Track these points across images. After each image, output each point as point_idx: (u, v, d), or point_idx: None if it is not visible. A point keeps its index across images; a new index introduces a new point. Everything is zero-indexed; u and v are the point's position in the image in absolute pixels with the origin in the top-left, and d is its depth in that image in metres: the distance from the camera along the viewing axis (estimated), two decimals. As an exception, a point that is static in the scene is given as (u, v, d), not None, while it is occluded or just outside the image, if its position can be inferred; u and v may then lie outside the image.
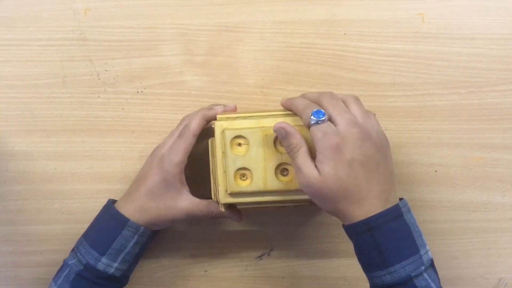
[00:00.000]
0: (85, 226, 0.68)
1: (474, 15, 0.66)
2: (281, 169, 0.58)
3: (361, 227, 0.53)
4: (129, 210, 0.61)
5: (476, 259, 0.68)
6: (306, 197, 0.57)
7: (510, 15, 0.66)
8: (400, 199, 0.56)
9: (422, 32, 0.66)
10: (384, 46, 0.66)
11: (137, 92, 0.68)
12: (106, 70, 0.67)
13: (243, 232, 0.69)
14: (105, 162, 0.68)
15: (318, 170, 0.53)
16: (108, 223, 0.62)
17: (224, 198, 0.59)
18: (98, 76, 0.68)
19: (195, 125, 0.61)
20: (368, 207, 0.53)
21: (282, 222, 0.68)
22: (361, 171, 0.53)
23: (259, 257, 0.69)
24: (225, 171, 0.58)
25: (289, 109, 0.58)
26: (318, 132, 0.53)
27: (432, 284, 0.53)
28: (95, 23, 0.67)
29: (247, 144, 0.58)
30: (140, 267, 0.69)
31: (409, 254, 0.53)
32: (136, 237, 0.61)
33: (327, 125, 0.54)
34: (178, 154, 0.61)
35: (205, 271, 0.69)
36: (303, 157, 0.54)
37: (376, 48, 0.66)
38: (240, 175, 0.58)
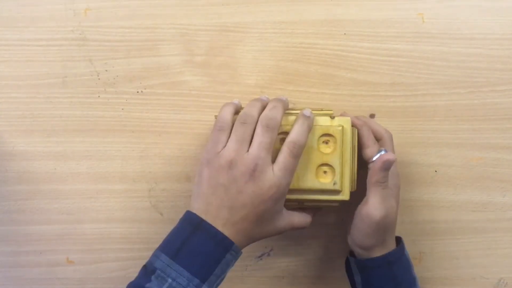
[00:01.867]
0: (85, 226, 0.69)
1: (474, 15, 0.66)
2: None
3: (381, 261, 0.58)
4: (229, 231, 0.53)
5: (476, 259, 0.68)
6: (303, 197, 0.58)
7: (510, 15, 0.66)
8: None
9: (422, 32, 0.66)
10: (384, 46, 0.66)
11: (137, 92, 0.68)
12: (106, 70, 0.67)
13: (243, 232, 0.69)
14: (105, 162, 0.68)
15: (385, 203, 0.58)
16: (208, 245, 0.52)
17: None
18: (98, 76, 0.68)
19: (268, 138, 0.54)
20: (390, 246, 0.60)
21: (282, 222, 0.68)
22: (395, 217, 0.60)
23: (259, 257, 0.69)
24: None
25: (356, 126, 0.60)
26: (393, 168, 0.59)
27: None
28: (95, 23, 0.67)
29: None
30: (140, 267, 0.69)
31: (413, 284, 0.60)
32: (234, 261, 0.54)
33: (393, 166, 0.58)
34: (290, 176, 0.54)
35: (205, 271, 0.69)
36: (389, 191, 0.59)
37: (376, 48, 0.66)
38: None
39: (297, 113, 0.58)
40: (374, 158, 0.58)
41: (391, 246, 0.60)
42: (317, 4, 0.66)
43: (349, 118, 0.59)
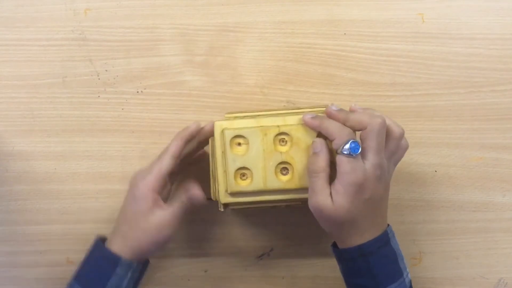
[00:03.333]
0: (85, 226, 0.69)
1: (474, 15, 0.66)
2: (281, 168, 0.58)
3: (356, 253, 0.56)
4: (117, 244, 0.59)
5: (476, 259, 0.68)
6: (305, 196, 0.58)
7: (510, 15, 0.66)
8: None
9: (422, 32, 0.66)
10: (384, 46, 0.66)
11: (137, 92, 0.68)
12: (106, 70, 0.67)
13: (243, 232, 0.69)
14: (105, 162, 0.68)
15: (332, 198, 0.54)
16: (100, 262, 0.59)
17: (224, 198, 0.59)
18: (98, 76, 0.68)
19: (173, 146, 0.59)
20: (367, 236, 0.56)
21: (282, 222, 0.68)
22: (370, 208, 0.56)
23: (259, 257, 0.69)
24: (225, 171, 0.58)
25: (317, 129, 0.57)
26: (347, 165, 0.54)
27: None
28: (95, 23, 0.67)
29: (247, 143, 0.58)
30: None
31: (397, 277, 0.56)
32: (129, 273, 0.59)
33: (357, 161, 0.54)
34: (150, 176, 0.59)
35: (205, 271, 0.69)
36: (322, 183, 0.55)
37: (376, 48, 0.66)
38: (240, 175, 0.58)
39: (296, 112, 0.58)
40: (339, 150, 0.54)
41: (369, 235, 0.56)
42: (317, 4, 0.66)
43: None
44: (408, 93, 0.66)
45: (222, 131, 0.58)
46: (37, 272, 0.69)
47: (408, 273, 0.58)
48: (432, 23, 0.66)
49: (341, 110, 0.57)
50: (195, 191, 0.60)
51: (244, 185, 0.58)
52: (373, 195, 0.55)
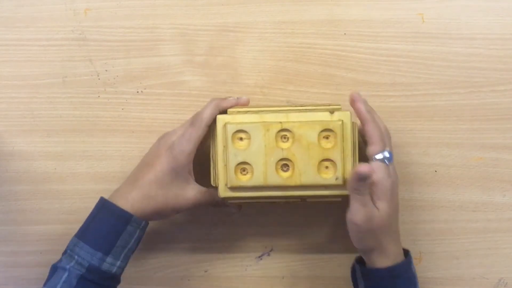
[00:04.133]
0: (85, 226, 0.68)
1: (474, 15, 0.66)
2: (282, 165, 0.58)
3: (387, 273, 0.58)
4: (134, 199, 0.59)
5: (476, 259, 0.68)
6: (305, 193, 0.58)
7: (510, 15, 0.65)
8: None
9: (422, 32, 0.66)
10: (384, 46, 0.66)
11: (137, 92, 0.68)
12: (106, 70, 0.67)
13: (243, 232, 0.69)
14: (105, 162, 0.68)
15: (376, 206, 0.56)
16: (110, 220, 0.59)
17: (224, 192, 0.59)
18: (98, 76, 0.68)
19: (208, 114, 0.60)
20: (397, 249, 0.59)
21: (282, 222, 0.68)
22: (397, 214, 0.60)
23: (259, 257, 0.69)
24: (225, 165, 0.58)
25: (362, 122, 0.58)
26: (384, 172, 0.57)
27: None
28: (95, 23, 0.67)
29: (249, 138, 0.58)
30: (140, 267, 0.69)
31: None
32: (138, 231, 0.60)
33: (389, 169, 0.57)
34: (189, 144, 0.60)
35: (205, 271, 0.69)
36: (367, 196, 0.56)
37: (376, 48, 0.66)
38: (240, 170, 0.58)
39: (299, 109, 0.59)
40: (377, 157, 0.57)
41: (395, 254, 0.58)
42: (317, 4, 0.66)
43: (348, 112, 0.58)
44: (408, 93, 0.66)
45: (225, 125, 0.58)
46: (37, 272, 0.69)
47: None
48: (432, 23, 0.66)
49: (368, 108, 0.59)
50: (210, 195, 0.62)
51: (244, 180, 0.58)
52: (398, 202, 0.59)
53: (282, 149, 0.58)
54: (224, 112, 0.60)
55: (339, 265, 0.68)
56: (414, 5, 0.66)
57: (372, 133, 0.58)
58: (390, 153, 0.58)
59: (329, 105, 0.59)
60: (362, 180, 0.55)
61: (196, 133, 0.60)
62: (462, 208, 0.67)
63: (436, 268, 0.67)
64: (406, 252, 0.60)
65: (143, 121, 0.68)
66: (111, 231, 0.59)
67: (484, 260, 0.68)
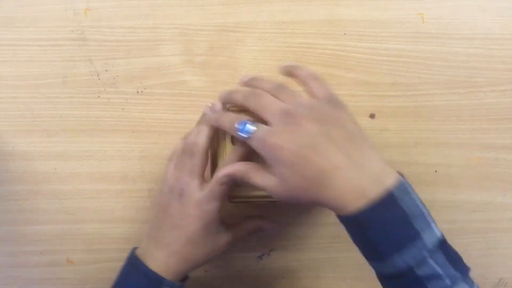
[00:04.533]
0: (85, 226, 0.69)
1: (474, 15, 0.66)
2: None
3: (351, 221, 0.48)
4: (168, 261, 0.55)
5: (476, 259, 0.68)
6: None
7: (510, 15, 0.66)
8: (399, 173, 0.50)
9: (422, 32, 0.66)
10: (384, 46, 0.66)
11: (137, 92, 0.68)
12: (106, 70, 0.67)
13: (243, 232, 0.69)
14: (105, 162, 0.68)
15: (275, 176, 0.50)
16: (140, 282, 0.55)
17: None
18: (98, 76, 0.68)
19: (204, 137, 0.56)
20: (366, 193, 0.47)
21: (282, 222, 0.68)
22: (322, 148, 0.48)
23: (259, 257, 0.69)
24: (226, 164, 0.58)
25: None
26: (255, 143, 0.51)
27: (439, 270, 0.47)
28: (95, 23, 0.67)
29: None
30: (140, 267, 0.69)
31: (407, 242, 0.46)
32: None
33: (259, 131, 0.51)
34: (217, 200, 0.55)
35: (205, 271, 0.69)
36: (258, 176, 0.52)
37: (376, 48, 0.66)
38: None
39: None
40: (238, 135, 0.53)
41: (362, 196, 0.47)
42: (317, 4, 0.66)
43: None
44: (408, 93, 0.66)
45: None
46: (37, 272, 0.69)
47: (434, 230, 0.48)
48: (432, 23, 0.66)
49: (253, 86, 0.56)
50: (270, 226, 0.61)
51: None
52: (307, 139, 0.48)
53: None
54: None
55: (339, 265, 0.68)
56: (414, 5, 0.66)
57: (222, 125, 0.55)
58: (243, 124, 0.52)
59: None
60: (224, 183, 0.54)
61: (200, 164, 0.56)
62: (462, 208, 0.67)
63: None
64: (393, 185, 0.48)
65: (143, 121, 0.68)
66: None
67: (484, 260, 0.68)
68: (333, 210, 0.49)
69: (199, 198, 0.55)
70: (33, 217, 0.69)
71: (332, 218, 0.68)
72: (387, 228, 0.47)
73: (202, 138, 0.57)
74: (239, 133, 0.52)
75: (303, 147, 0.48)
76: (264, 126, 0.51)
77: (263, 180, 0.52)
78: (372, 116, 0.66)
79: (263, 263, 0.69)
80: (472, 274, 0.69)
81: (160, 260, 0.55)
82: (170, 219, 0.56)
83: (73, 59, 0.67)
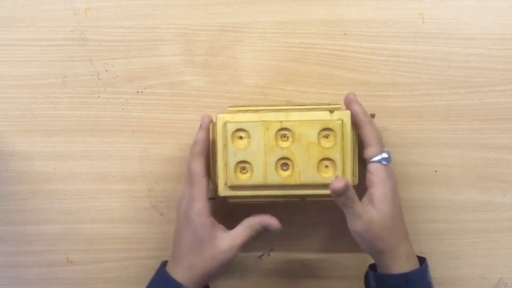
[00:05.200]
0: (85, 226, 0.69)
1: (474, 15, 0.66)
2: (282, 164, 0.58)
3: (400, 279, 0.57)
4: (180, 272, 0.59)
5: (476, 259, 0.68)
6: (304, 192, 0.58)
7: (510, 15, 0.65)
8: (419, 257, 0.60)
9: (422, 32, 0.66)
10: (384, 46, 0.66)
11: (137, 92, 0.68)
12: (106, 70, 0.67)
13: (243, 232, 0.69)
14: (105, 162, 0.68)
15: (375, 210, 0.57)
16: None
17: (223, 191, 0.59)
18: (98, 76, 0.68)
19: (197, 167, 0.59)
20: (407, 249, 0.58)
21: (282, 222, 0.68)
22: (401, 215, 0.59)
23: (259, 257, 0.69)
24: (225, 164, 0.58)
25: (359, 124, 0.59)
26: (384, 173, 0.57)
27: None
28: (95, 23, 0.67)
29: (248, 137, 0.58)
30: (140, 267, 0.69)
31: None
32: None
33: (390, 169, 0.58)
34: (197, 203, 0.59)
35: (205, 271, 0.69)
36: (359, 204, 0.57)
37: (376, 48, 0.66)
38: (240, 169, 0.58)
39: (298, 108, 0.59)
40: (375, 159, 0.58)
41: (406, 255, 0.58)
42: (317, 4, 0.66)
43: (348, 112, 0.59)
44: (408, 93, 0.66)
45: (224, 124, 0.58)
46: (37, 272, 0.69)
47: None
48: (432, 23, 0.66)
49: (364, 111, 0.59)
50: (272, 220, 0.61)
51: (243, 179, 0.58)
52: (400, 201, 0.59)
53: (282, 148, 0.58)
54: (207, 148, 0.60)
55: (339, 265, 0.68)
56: (414, 5, 0.66)
57: (370, 135, 0.58)
58: (388, 153, 0.58)
59: (329, 105, 0.59)
60: (340, 195, 0.55)
61: (197, 191, 0.59)
62: (462, 208, 0.67)
63: (436, 268, 0.67)
64: (423, 260, 0.60)
65: (143, 121, 0.68)
66: None
67: (484, 260, 0.68)
68: (388, 266, 0.58)
69: (185, 207, 0.60)
70: (33, 217, 0.69)
71: (332, 218, 0.68)
72: None
73: (192, 164, 0.60)
74: (388, 157, 0.58)
75: (400, 208, 0.60)
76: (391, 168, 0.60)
77: (363, 208, 0.57)
78: (372, 116, 0.66)
79: (263, 263, 0.69)
80: (472, 274, 0.69)
81: (175, 273, 0.59)
82: (174, 233, 0.61)
83: (73, 59, 0.67)
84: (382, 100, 0.67)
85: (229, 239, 0.59)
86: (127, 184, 0.68)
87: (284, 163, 0.58)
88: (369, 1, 0.66)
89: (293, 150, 0.57)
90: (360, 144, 0.60)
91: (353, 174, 0.59)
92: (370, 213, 0.57)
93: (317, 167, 0.58)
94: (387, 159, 0.58)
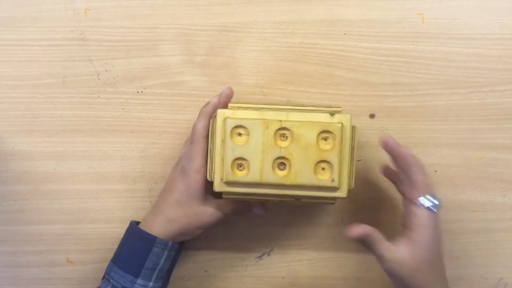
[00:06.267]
0: (85, 226, 0.69)
1: (474, 15, 0.66)
2: (279, 163, 0.58)
3: None
4: (158, 224, 0.61)
5: (476, 259, 0.68)
6: (299, 193, 0.58)
7: (510, 15, 0.66)
8: None
9: (422, 32, 0.66)
10: (384, 46, 0.66)
11: (137, 92, 0.68)
12: (106, 70, 0.67)
13: (243, 232, 0.69)
14: (105, 162, 0.68)
15: (408, 251, 0.56)
16: (136, 244, 0.61)
17: (219, 187, 0.59)
18: (98, 76, 0.68)
19: (201, 127, 0.61)
20: None
21: (282, 222, 0.68)
22: (441, 261, 0.59)
23: (259, 257, 0.69)
24: (222, 160, 0.58)
25: (406, 165, 0.58)
26: (430, 220, 0.57)
27: None
28: (95, 23, 0.67)
29: (247, 134, 0.58)
30: (140, 267, 0.69)
31: None
32: (166, 252, 0.61)
33: (436, 216, 0.57)
34: (195, 161, 0.60)
35: (205, 271, 0.69)
36: (384, 246, 0.57)
37: (376, 48, 0.66)
38: (237, 165, 0.58)
39: (299, 109, 0.59)
40: (425, 204, 0.57)
41: None
42: (317, 4, 0.66)
43: (348, 115, 0.58)
44: (408, 93, 0.66)
45: (224, 120, 0.58)
46: (37, 272, 0.69)
47: None
48: (432, 23, 0.66)
49: (398, 145, 0.59)
50: (258, 205, 0.65)
51: (240, 175, 0.58)
52: (441, 254, 0.58)
53: (280, 147, 0.58)
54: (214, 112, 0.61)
55: (339, 265, 0.68)
56: (414, 5, 0.66)
57: (419, 178, 0.57)
58: (438, 200, 0.57)
59: (330, 107, 0.59)
60: (361, 242, 0.57)
61: (197, 149, 0.60)
62: (462, 208, 0.67)
63: (436, 268, 0.68)
64: None
65: (143, 121, 0.68)
66: (138, 254, 0.61)
67: (484, 260, 0.68)
68: None
69: (183, 163, 0.61)
70: (33, 217, 0.69)
71: (332, 218, 0.68)
72: None
73: (197, 124, 0.61)
74: (437, 203, 0.57)
75: (441, 257, 0.59)
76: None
77: (389, 249, 0.57)
78: (372, 116, 0.66)
79: (263, 263, 0.69)
80: (472, 274, 0.69)
81: (152, 224, 0.61)
82: (164, 186, 0.63)
83: (73, 59, 0.67)
84: (382, 100, 0.67)
85: (215, 205, 0.62)
86: (127, 184, 0.68)
87: (281, 162, 0.58)
88: (369, 1, 0.66)
89: (291, 150, 0.57)
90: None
91: (349, 178, 0.59)
92: (399, 254, 0.57)
93: (314, 169, 0.58)
94: (437, 206, 0.57)
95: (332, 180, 0.58)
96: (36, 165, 0.68)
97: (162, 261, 0.61)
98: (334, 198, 0.59)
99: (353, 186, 0.60)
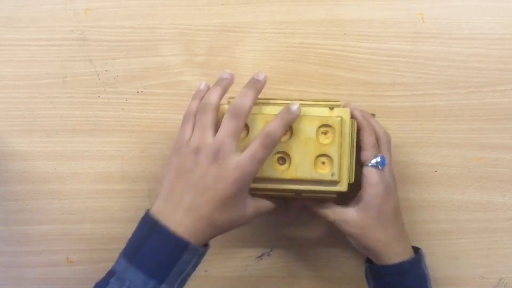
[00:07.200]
0: (85, 226, 0.69)
1: (474, 15, 0.66)
2: (279, 158, 0.58)
3: (393, 270, 0.59)
4: (196, 226, 0.52)
5: (476, 259, 0.68)
6: (300, 187, 0.58)
7: (510, 15, 0.65)
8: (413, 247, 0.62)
9: (422, 32, 0.66)
10: (384, 46, 0.66)
11: (137, 92, 0.68)
12: (106, 70, 0.67)
13: (243, 232, 0.69)
14: (105, 162, 0.68)
15: (357, 212, 0.59)
16: (164, 247, 0.52)
17: None
18: (98, 76, 0.68)
19: (250, 102, 0.54)
20: (403, 248, 0.60)
21: (282, 222, 0.68)
22: (396, 216, 0.60)
23: (259, 257, 0.69)
24: None
25: (359, 127, 0.60)
26: (376, 176, 0.58)
27: None
28: (95, 23, 0.67)
29: (246, 129, 0.58)
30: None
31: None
32: (195, 259, 0.54)
33: (383, 173, 0.59)
34: (258, 163, 0.53)
35: (205, 271, 0.69)
36: (335, 208, 0.60)
37: (376, 48, 0.66)
38: None
39: (299, 104, 0.58)
40: (369, 163, 0.59)
41: (402, 253, 0.59)
42: (317, 4, 0.66)
43: (348, 109, 0.59)
44: (408, 93, 0.66)
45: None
46: (37, 272, 0.69)
47: None
48: (432, 23, 0.66)
49: (364, 115, 0.60)
50: (265, 202, 0.59)
51: None
52: (396, 203, 0.60)
53: (280, 142, 0.57)
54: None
55: (339, 265, 0.68)
56: (414, 5, 0.66)
57: (366, 139, 0.59)
58: (382, 157, 0.59)
59: (329, 101, 0.59)
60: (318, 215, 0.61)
61: (258, 153, 0.53)
62: (462, 208, 0.67)
63: (436, 268, 0.67)
64: (417, 251, 0.61)
65: (143, 121, 0.68)
66: (164, 258, 0.52)
67: (484, 260, 0.68)
68: (383, 261, 0.59)
69: (239, 161, 0.53)
70: (33, 217, 0.69)
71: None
72: (418, 282, 0.59)
73: (247, 101, 0.54)
74: (381, 161, 0.59)
75: (395, 210, 0.60)
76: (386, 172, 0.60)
77: (341, 211, 0.60)
78: (372, 116, 0.66)
79: (263, 263, 0.69)
80: (472, 274, 0.69)
81: (187, 225, 0.52)
82: (199, 181, 0.53)
83: (73, 59, 0.67)
84: (382, 100, 0.67)
85: (254, 206, 0.57)
86: (127, 184, 0.68)
87: (281, 157, 0.58)
88: (369, 1, 0.66)
89: (291, 145, 0.57)
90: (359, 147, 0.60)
91: (349, 171, 0.59)
92: (345, 214, 0.59)
93: (314, 163, 0.58)
94: (380, 163, 0.59)
95: (332, 174, 0.58)
96: (36, 165, 0.68)
97: (189, 267, 0.53)
98: (334, 192, 0.59)
99: (353, 180, 0.60)
